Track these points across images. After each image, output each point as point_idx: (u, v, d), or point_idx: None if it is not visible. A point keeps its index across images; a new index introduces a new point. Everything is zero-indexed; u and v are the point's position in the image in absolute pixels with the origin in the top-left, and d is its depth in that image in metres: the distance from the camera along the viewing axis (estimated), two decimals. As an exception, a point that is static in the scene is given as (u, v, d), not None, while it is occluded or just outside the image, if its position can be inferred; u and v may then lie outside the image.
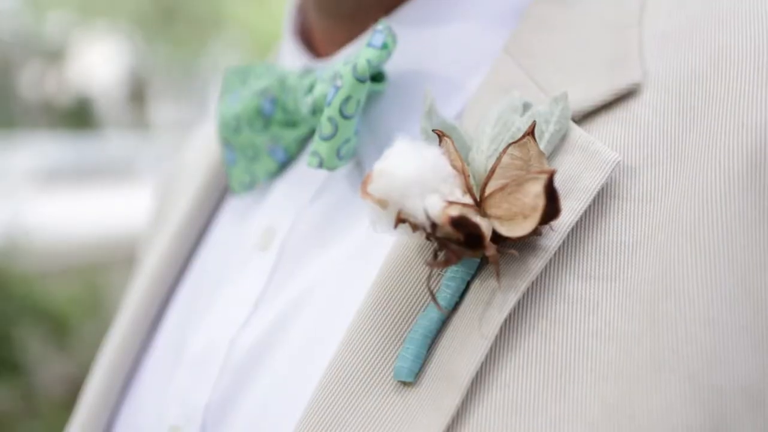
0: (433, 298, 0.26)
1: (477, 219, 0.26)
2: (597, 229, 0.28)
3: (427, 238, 0.27)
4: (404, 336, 0.28)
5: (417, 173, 0.26)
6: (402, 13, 0.36)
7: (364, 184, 0.27)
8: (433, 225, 0.26)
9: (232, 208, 0.42)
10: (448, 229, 0.25)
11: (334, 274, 0.33)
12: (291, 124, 0.37)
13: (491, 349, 0.26)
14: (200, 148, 0.49)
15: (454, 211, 0.25)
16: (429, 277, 0.27)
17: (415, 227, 0.26)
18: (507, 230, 0.26)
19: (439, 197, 0.26)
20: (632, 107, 0.30)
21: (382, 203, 0.26)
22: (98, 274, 2.96)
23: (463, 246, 0.26)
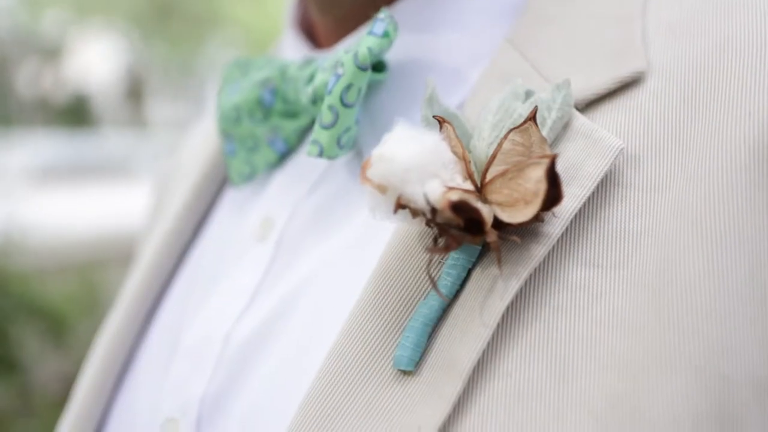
0: (434, 286, 0.26)
1: (478, 204, 0.25)
2: (601, 216, 0.28)
3: (427, 224, 0.26)
4: (404, 324, 0.28)
5: (417, 158, 0.26)
6: (404, 3, 0.35)
7: (363, 169, 0.26)
8: (433, 210, 0.25)
9: (230, 199, 0.41)
10: (448, 214, 0.25)
11: (333, 265, 0.33)
12: (291, 114, 0.37)
13: (493, 337, 0.26)
14: (197, 145, 0.49)
15: (455, 196, 0.25)
16: (429, 265, 0.26)
17: (415, 213, 0.26)
18: (508, 216, 0.26)
19: (439, 182, 0.26)
20: (636, 96, 0.30)
21: (381, 188, 0.26)
22: (95, 272, 2.95)
23: (464, 231, 0.25)
